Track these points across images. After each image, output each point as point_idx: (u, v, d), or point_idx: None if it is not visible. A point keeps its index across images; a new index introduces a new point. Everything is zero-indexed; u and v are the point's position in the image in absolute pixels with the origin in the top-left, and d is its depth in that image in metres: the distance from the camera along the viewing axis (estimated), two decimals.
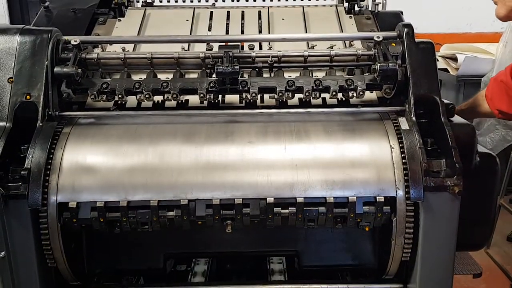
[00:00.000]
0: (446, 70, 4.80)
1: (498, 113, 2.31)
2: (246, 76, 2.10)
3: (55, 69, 1.94)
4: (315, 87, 2.00)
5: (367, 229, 1.93)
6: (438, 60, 4.88)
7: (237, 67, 1.95)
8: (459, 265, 2.91)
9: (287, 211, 1.81)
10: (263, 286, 2.10)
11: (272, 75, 2.14)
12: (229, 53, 2.01)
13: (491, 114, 2.38)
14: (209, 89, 2.00)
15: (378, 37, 2.03)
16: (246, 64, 2.10)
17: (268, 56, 2.10)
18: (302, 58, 2.11)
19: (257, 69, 2.11)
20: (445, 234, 1.85)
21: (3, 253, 1.68)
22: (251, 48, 2.24)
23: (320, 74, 2.16)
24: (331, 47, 2.27)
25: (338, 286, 2.02)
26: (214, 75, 1.99)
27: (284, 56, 2.10)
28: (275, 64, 2.11)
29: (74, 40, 2.03)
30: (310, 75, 2.15)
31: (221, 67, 1.93)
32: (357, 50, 2.10)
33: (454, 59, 4.72)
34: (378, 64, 1.95)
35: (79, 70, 1.97)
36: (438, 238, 1.85)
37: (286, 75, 2.13)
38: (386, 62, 1.96)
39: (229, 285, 2.17)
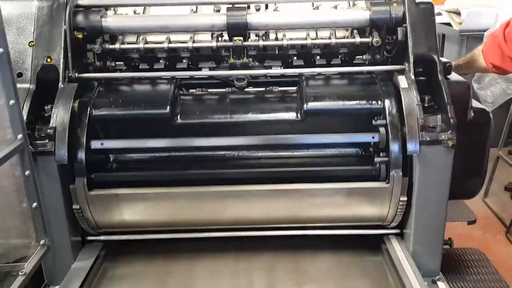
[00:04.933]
0: (449, 24, 4.82)
1: (492, 67, 2.39)
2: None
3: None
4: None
5: None
6: (441, 14, 4.92)
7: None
8: (454, 212, 3.08)
9: None
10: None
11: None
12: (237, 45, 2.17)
13: (486, 69, 2.46)
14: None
15: (378, 42, 2.14)
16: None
17: (274, 46, 2.24)
18: (306, 46, 2.23)
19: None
20: (438, 184, 1.99)
21: (35, 204, 1.82)
22: (258, 9, 2.32)
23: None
24: (335, 7, 2.35)
25: (340, 232, 2.19)
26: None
27: (290, 45, 2.22)
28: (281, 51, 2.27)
29: (96, 49, 2.15)
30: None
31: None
32: (356, 38, 2.20)
33: (458, 13, 4.73)
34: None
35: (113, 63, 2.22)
36: (432, 188, 2.00)
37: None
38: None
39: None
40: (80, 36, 2.13)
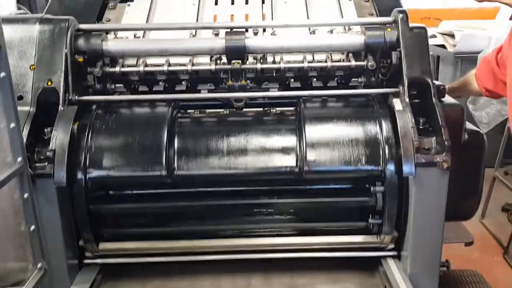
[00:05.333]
0: (444, 46, 4.91)
1: (485, 91, 2.44)
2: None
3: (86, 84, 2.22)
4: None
5: None
6: (436, 37, 5.01)
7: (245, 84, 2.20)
8: (451, 234, 3.08)
9: None
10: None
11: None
12: (236, 69, 2.19)
13: (479, 92, 2.51)
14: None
15: (372, 66, 2.17)
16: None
17: (272, 69, 2.26)
18: (303, 68, 2.26)
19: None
20: (434, 206, 2.01)
21: (33, 226, 1.82)
22: (255, 33, 2.36)
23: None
24: (331, 31, 2.40)
25: (336, 255, 2.19)
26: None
27: (287, 68, 2.24)
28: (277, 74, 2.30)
29: (97, 72, 2.18)
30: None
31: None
32: (351, 62, 2.22)
33: (452, 35, 4.82)
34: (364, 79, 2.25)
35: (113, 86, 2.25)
36: (428, 210, 2.01)
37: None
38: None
39: None
40: (81, 60, 2.16)
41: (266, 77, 2.32)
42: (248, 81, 2.25)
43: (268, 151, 2.09)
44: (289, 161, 2.07)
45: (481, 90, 2.45)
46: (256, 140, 2.10)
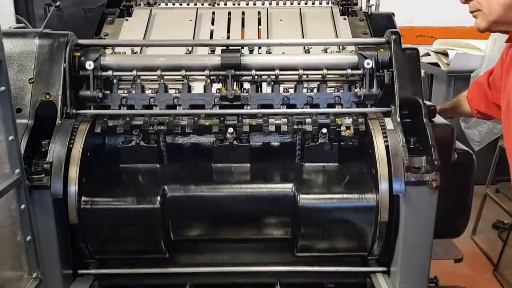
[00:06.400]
0: (437, 64, 4.98)
1: (477, 113, 2.49)
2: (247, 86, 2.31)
3: (80, 93, 2.18)
4: (306, 102, 2.24)
5: None
6: (430, 55, 5.08)
7: (239, 92, 2.20)
8: (441, 250, 3.12)
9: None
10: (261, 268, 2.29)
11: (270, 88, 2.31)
12: (231, 74, 2.21)
13: (471, 114, 2.55)
14: (215, 103, 2.22)
15: (368, 64, 2.19)
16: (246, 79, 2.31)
17: (267, 76, 2.28)
18: (297, 76, 2.27)
19: (257, 84, 2.30)
20: (423, 224, 2.05)
21: (29, 237, 1.86)
22: (251, 50, 2.42)
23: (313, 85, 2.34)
24: (325, 50, 2.45)
25: (327, 269, 2.23)
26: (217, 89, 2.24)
27: (281, 75, 2.26)
28: (272, 82, 2.29)
29: (89, 64, 2.18)
30: (306, 86, 2.32)
31: (225, 93, 2.19)
32: (347, 70, 2.24)
33: (446, 54, 4.89)
34: (363, 90, 2.20)
35: (100, 94, 2.19)
36: (417, 227, 2.05)
37: (283, 86, 2.31)
38: (370, 89, 2.20)
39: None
40: (77, 53, 2.20)
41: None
42: (244, 90, 2.28)
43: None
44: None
45: (472, 112, 2.50)
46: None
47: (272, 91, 2.27)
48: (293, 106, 2.25)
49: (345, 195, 2.08)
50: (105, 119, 2.20)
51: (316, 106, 2.25)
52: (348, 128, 2.18)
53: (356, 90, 2.26)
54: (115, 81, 2.26)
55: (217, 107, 2.22)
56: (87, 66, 2.18)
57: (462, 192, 2.24)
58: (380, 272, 2.23)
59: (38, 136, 2.06)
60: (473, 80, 2.64)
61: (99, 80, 2.23)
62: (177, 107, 2.22)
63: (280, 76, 2.26)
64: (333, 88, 2.35)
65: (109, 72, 2.23)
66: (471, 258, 4.04)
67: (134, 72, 2.24)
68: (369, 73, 2.20)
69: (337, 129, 2.19)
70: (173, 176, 2.21)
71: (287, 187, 2.11)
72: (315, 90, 2.29)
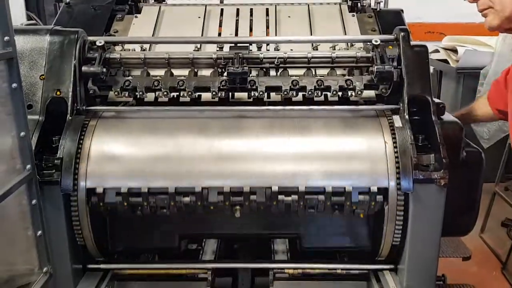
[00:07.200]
0: (446, 61, 4.95)
1: (498, 112, 2.47)
2: (254, 74, 2.28)
3: (83, 68, 2.15)
4: (317, 87, 2.19)
5: (361, 215, 2.13)
6: (439, 51, 5.05)
7: (246, 68, 2.14)
8: (450, 249, 3.13)
9: (290, 198, 2.01)
10: (267, 264, 2.33)
11: (278, 74, 2.32)
12: (239, 54, 2.20)
13: (489, 117, 2.54)
14: (221, 87, 2.19)
15: (376, 41, 2.21)
16: (254, 64, 2.28)
17: (274, 58, 2.27)
18: (306, 59, 2.28)
19: (264, 69, 2.29)
20: (431, 222, 2.05)
21: (39, 232, 1.89)
22: (259, 47, 2.42)
23: (322, 72, 2.34)
24: (334, 47, 2.45)
25: (334, 266, 2.24)
26: (225, 74, 2.19)
27: (289, 58, 2.27)
28: (281, 65, 2.29)
29: (99, 41, 2.22)
30: (314, 74, 2.32)
31: (232, 68, 2.13)
32: (356, 52, 2.27)
33: (455, 51, 4.86)
34: (375, 67, 2.14)
35: (104, 69, 2.17)
36: (425, 225, 2.05)
37: (291, 73, 2.31)
38: (383, 64, 2.15)
39: (236, 263, 2.40)
40: None
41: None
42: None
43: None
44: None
45: (493, 112, 2.49)
46: None
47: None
48: (304, 88, 2.20)
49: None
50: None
51: (328, 89, 2.21)
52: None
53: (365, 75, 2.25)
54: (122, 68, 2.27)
55: (223, 93, 2.20)
56: (97, 43, 2.20)
57: (470, 190, 2.23)
58: (388, 270, 2.24)
59: (49, 132, 2.08)
60: (493, 80, 2.62)
61: (106, 63, 2.23)
62: (181, 92, 2.19)
63: (288, 60, 2.26)
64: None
65: (117, 55, 2.26)
66: (479, 256, 4.03)
67: (141, 55, 2.27)
68: (378, 50, 2.19)
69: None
70: None
71: None
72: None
